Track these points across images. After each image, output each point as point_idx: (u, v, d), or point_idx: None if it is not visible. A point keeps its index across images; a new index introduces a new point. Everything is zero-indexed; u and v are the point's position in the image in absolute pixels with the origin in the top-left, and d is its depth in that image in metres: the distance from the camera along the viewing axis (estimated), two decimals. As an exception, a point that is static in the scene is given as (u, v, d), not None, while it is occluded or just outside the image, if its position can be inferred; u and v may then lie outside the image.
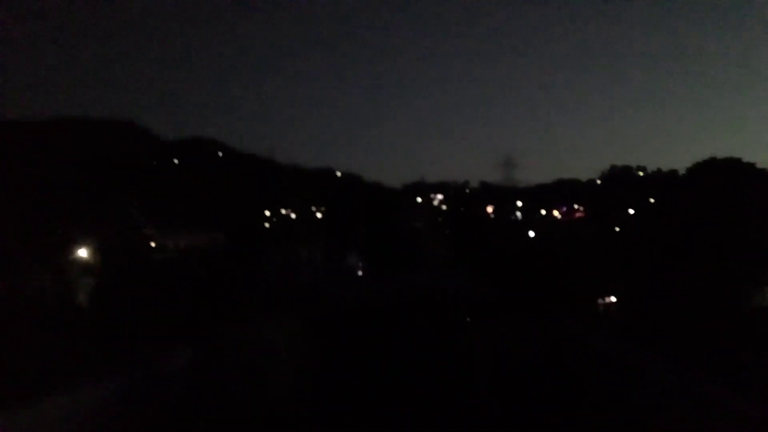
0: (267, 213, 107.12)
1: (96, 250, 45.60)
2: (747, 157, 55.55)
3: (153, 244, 56.92)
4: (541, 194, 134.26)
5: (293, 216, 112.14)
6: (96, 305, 32.52)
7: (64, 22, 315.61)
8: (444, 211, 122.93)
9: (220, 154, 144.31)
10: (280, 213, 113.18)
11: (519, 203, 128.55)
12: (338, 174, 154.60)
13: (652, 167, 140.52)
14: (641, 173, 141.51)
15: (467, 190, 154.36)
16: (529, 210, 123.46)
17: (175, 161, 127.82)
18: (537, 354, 17.77)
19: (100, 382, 13.19)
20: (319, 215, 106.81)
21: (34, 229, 62.35)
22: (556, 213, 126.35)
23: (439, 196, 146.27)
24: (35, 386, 12.51)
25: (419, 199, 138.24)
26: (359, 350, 20.09)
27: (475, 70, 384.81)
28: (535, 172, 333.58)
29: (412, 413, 13.67)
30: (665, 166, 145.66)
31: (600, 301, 28.94)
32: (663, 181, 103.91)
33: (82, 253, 46.13)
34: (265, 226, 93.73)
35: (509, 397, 14.40)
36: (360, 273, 47.13)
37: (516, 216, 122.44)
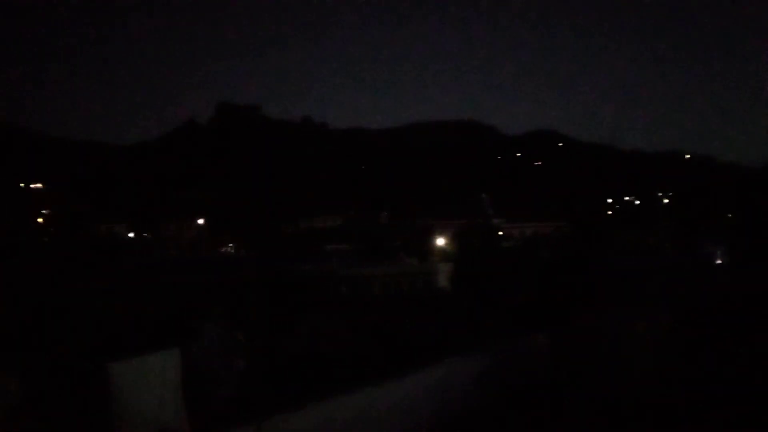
0: (609, 200, 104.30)
1: (452, 238, 50.32)
2: None
3: (500, 233, 60.15)
4: None
5: (637, 203, 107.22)
6: (453, 287, 35.59)
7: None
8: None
9: (561, 144, 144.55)
10: (623, 200, 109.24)
11: None
12: (687, 156, 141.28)
13: None
14: None
15: None
16: None
17: (518, 154, 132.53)
18: None
19: (469, 357, 14.38)
20: (665, 201, 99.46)
21: (401, 221, 71.82)
22: None
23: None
24: (418, 356, 14.36)
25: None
26: (726, 346, 18.57)
27: None
28: None
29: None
30: None
31: None
32: None
33: (440, 241, 51.46)
34: (607, 214, 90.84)
35: None
36: (719, 261, 42.37)
37: None
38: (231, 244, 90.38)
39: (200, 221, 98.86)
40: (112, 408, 7.48)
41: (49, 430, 8.81)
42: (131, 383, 7.48)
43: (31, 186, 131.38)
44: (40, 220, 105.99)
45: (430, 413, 12.32)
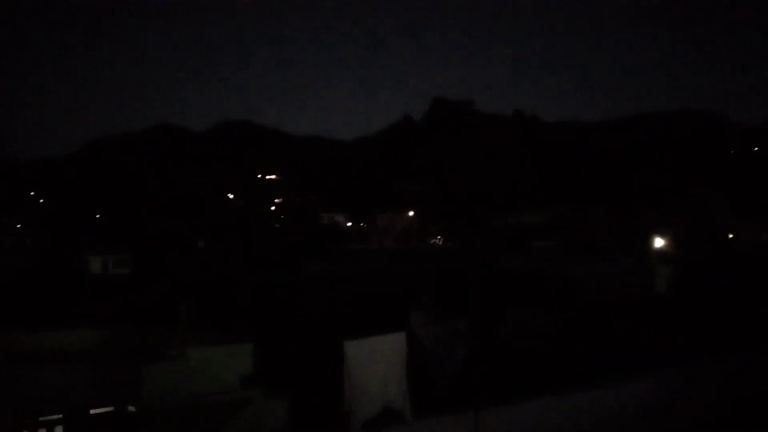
0: None
1: (673, 239, 46.49)
2: None
3: (731, 236, 54.15)
4: None
5: None
6: (673, 293, 33.21)
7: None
8: None
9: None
10: None
11: None
12: None
13: None
14: None
15: None
16: None
17: (755, 148, 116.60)
18: None
19: (698, 367, 13.43)
20: None
21: (616, 218, 67.97)
22: None
23: None
24: (631, 362, 13.69)
25: None
26: None
27: None
28: None
29: None
30: None
31: None
32: None
33: (659, 241, 47.88)
34: None
35: None
36: None
37: None
38: (439, 237, 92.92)
39: (411, 213, 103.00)
40: (345, 381, 8.13)
41: (284, 394, 10.03)
42: (362, 361, 8.12)
43: (267, 177, 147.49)
44: (272, 207, 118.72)
45: (653, 428, 11.52)
